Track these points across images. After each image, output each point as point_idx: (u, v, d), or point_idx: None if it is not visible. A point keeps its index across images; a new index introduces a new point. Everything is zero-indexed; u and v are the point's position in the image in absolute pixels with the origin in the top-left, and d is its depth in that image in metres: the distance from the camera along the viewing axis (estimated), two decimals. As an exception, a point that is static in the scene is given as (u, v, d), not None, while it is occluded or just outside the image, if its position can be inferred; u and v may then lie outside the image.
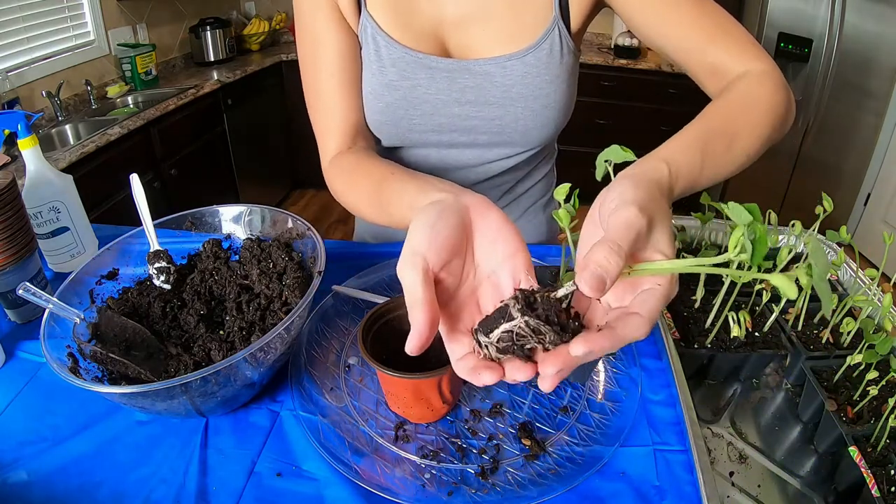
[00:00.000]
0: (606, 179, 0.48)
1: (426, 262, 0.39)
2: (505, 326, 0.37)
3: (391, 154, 0.82)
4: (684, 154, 0.49)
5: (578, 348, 0.35)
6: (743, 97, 0.58)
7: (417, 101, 0.72)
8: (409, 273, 0.38)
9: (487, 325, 0.38)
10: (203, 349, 0.61)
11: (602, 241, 0.36)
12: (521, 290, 0.39)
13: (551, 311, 0.37)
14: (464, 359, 0.38)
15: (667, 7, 0.64)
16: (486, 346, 0.38)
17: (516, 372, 0.37)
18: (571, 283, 0.37)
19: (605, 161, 0.52)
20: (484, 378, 0.37)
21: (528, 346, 0.37)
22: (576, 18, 0.71)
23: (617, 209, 0.38)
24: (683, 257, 0.75)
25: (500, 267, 0.41)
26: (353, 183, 0.66)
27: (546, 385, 0.36)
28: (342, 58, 0.71)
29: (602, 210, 0.40)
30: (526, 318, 0.36)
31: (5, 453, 0.58)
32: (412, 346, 0.37)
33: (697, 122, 0.54)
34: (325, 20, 0.69)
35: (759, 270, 0.44)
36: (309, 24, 0.71)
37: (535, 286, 0.39)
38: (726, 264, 0.38)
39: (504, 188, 0.88)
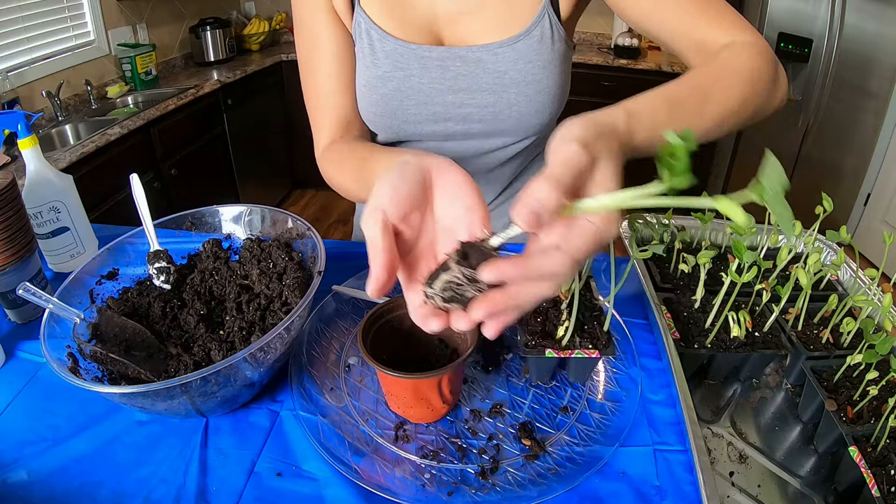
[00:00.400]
0: (638, 180, 0.47)
1: (385, 214, 0.41)
2: (443, 277, 0.38)
3: None
4: (648, 106, 0.48)
5: (486, 273, 0.36)
6: (721, 62, 0.58)
7: (411, 91, 0.73)
8: (370, 225, 0.40)
9: (433, 276, 0.40)
10: (203, 349, 0.61)
11: (539, 176, 0.36)
12: (461, 241, 0.40)
13: (485, 260, 0.38)
14: (419, 307, 0.41)
15: None
16: (433, 296, 0.39)
17: (458, 321, 0.39)
18: (510, 229, 0.38)
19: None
20: (431, 325, 0.40)
21: (468, 295, 0.38)
22: (565, 6, 0.72)
23: (559, 145, 0.38)
24: (683, 259, 0.75)
25: (457, 221, 0.42)
26: (342, 166, 0.68)
27: (488, 332, 0.38)
28: (338, 55, 0.73)
29: (547, 148, 0.40)
30: (461, 267, 0.38)
31: (5, 453, 0.58)
32: (371, 289, 0.39)
33: (671, 83, 0.53)
34: (322, 19, 0.72)
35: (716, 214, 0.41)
36: (306, 23, 0.73)
37: (488, 238, 0.40)
38: (666, 194, 0.35)
39: (503, 182, 0.88)
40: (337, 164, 0.69)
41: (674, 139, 0.34)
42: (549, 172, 0.36)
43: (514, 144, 0.81)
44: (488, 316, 0.37)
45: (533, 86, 0.72)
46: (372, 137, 0.81)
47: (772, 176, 0.35)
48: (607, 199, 0.36)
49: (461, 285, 0.38)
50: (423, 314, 0.41)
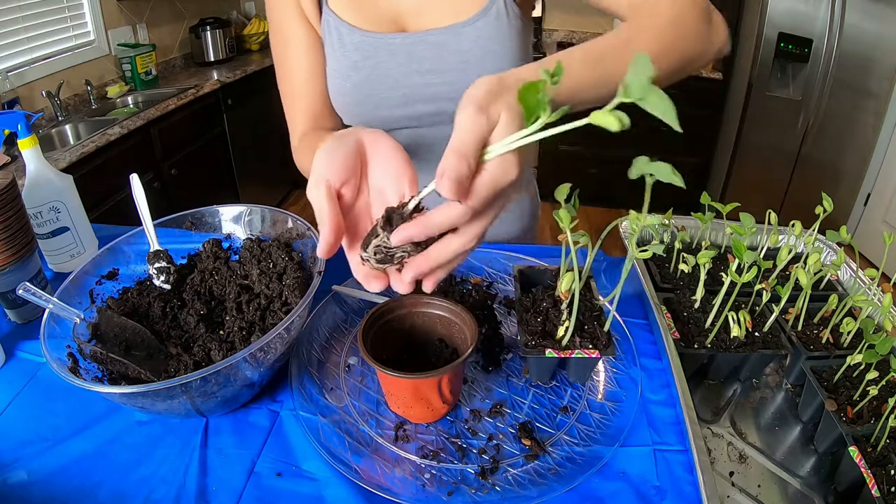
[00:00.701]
0: (622, 179, 0.48)
1: (328, 182, 0.45)
2: (374, 241, 0.43)
3: None
4: (570, 60, 0.51)
5: (394, 238, 0.42)
6: (643, 12, 0.60)
7: (381, 77, 0.77)
8: (315, 192, 0.45)
9: (366, 241, 0.44)
10: (203, 349, 0.61)
11: (448, 148, 0.39)
12: (386, 208, 0.44)
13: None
14: (359, 269, 0.46)
15: None
16: (368, 259, 0.44)
17: (395, 283, 0.45)
18: (425, 189, 0.42)
19: (650, 174, 0.49)
20: (372, 285, 0.45)
21: (398, 256, 0.43)
22: None
23: (459, 111, 0.41)
24: (683, 260, 0.75)
25: (388, 186, 0.48)
26: (311, 155, 0.71)
27: (426, 287, 0.45)
28: (308, 55, 0.78)
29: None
30: (385, 232, 0.42)
31: (5, 453, 0.58)
32: (321, 250, 0.44)
33: (598, 38, 0.55)
34: (292, 22, 0.77)
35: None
36: (278, 25, 0.79)
37: (408, 203, 0.44)
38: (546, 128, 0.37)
39: None
40: (306, 153, 0.74)
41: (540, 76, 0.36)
42: (455, 144, 0.39)
43: None
44: (418, 276, 0.43)
45: (494, 61, 0.76)
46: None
47: (637, 71, 0.34)
48: (499, 146, 0.40)
49: (389, 248, 0.42)
50: (364, 275, 0.46)
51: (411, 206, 0.43)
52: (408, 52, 0.76)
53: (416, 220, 0.41)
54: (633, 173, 0.50)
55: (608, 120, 0.34)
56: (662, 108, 0.34)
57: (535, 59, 0.60)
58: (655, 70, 0.37)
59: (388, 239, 0.42)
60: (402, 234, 0.41)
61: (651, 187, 0.45)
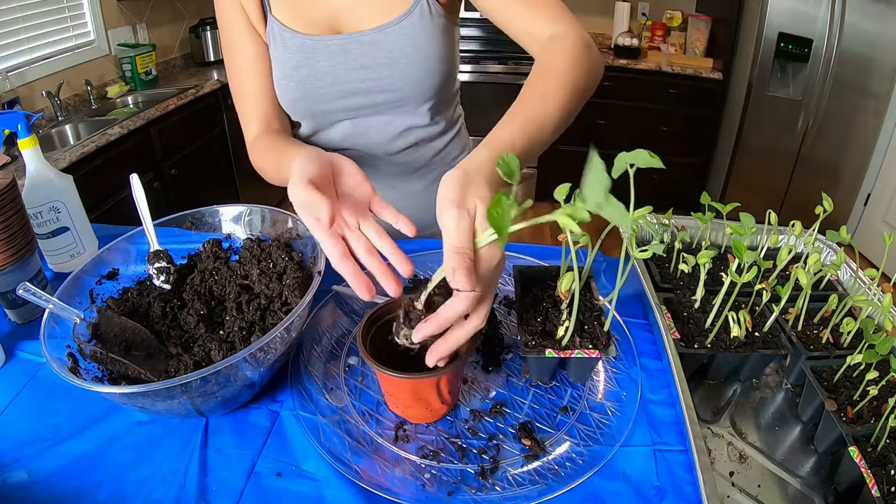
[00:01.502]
0: (622, 178, 0.52)
1: (311, 179, 0.53)
2: (402, 332, 0.54)
3: (312, 139, 0.95)
4: (506, 134, 0.59)
5: (416, 338, 0.52)
6: (547, 62, 0.70)
7: (321, 74, 0.85)
8: (302, 188, 0.52)
9: (397, 331, 0.55)
10: (203, 349, 0.61)
11: (448, 249, 0.47)
12: (401, 309, 0.55)
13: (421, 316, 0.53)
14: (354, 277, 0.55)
15: None
16: (403, 344, 0.55)
17: (388, 286, 0.54)
18: (430, 284, 0.52)
19: (630, 165, 0.51)
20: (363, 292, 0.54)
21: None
22: None
23: (441, 214, 0.49)
24: (683, 260, 0.75)
25: (351, 191, 0.59)
26: (265, 155, 0.81)
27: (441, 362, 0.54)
28: (255, 58, 0.86)
29: (437, 214, 0.50)
30: (405, 328, 0.54)
31: (5, 453, 0.58)
32: (323, 228, 0.53)
33: (517, 101, 0.65)
34: (241, 30, 0.84)
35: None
36: (227, 33, 0.86)
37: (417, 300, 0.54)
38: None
39: (419, 161, 0.98)
40: (261, 152, 0.82)
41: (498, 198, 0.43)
42: (453, 244, 0.47)
43: (418, 114, 0.91)
44: (442, 359, 0.53)
45: (420, 53, 0.84)
46: (293, 128, 0.95)
47: (593, 184, 0.40)
48: (484, 237, 0.47)
49: (414, 343, 0.53)
50: (357, 283, 0.55)
51: (418, 306, 0.53)
52: (343, 52, 0.84)
53: (430, 319, 0.50)
54: (616, 172, 0.51)
55: (573, 226, 0.42)
56: (617, 216, 0.39)
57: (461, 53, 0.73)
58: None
59: (410, 336, 0.53)
60: (421, 334, 0.51)
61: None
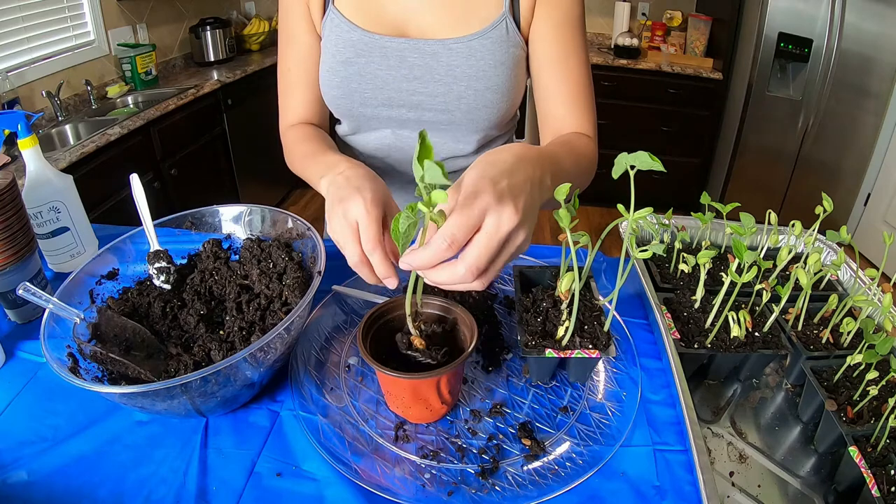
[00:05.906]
0: (623, 178, 0.52)
1: (382, 210, 0.56)
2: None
3: (349, 138, 0.92)
4: (554, 150, 0.63)
5: (402, 263, 0.49)
6: (580, 148, 0.76)
7: (369, 76, 0.80)
8: (374, 209, 0.55)
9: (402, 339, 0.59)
10: (203, 349, 0.61)
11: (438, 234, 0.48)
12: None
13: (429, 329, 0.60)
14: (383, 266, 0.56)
15: (559, 55, 0.79)
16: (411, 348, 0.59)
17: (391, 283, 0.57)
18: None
19: (630, 166, 0.51)
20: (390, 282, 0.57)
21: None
22: (525, 15, 0.78)
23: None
24: (683, 260, 0.75)
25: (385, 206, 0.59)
26: (296, 146, 0.82)
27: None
28: (307, 50, 0.84)
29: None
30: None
31: (5, 453, 0.58)
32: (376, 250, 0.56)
33: (556, 143, 0.72)
34: (298, 22, 0.83)
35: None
36: (284, 18, 0.84)
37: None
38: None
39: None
40: (293, 142, 0.84)
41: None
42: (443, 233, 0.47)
43: (466, 143, 0.86)
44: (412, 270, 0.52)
45: (482, 81, 0.78)
46: (332, 126, 0.93)
47: (427, 167, 0.43)
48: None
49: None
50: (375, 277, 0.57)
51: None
52: (400, 58, 0.79)
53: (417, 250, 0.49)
54: (616, 172, 0.51)
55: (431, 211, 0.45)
56: (437, 176, 0.42)
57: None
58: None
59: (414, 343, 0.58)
60: (407, 261, 0.49)
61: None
